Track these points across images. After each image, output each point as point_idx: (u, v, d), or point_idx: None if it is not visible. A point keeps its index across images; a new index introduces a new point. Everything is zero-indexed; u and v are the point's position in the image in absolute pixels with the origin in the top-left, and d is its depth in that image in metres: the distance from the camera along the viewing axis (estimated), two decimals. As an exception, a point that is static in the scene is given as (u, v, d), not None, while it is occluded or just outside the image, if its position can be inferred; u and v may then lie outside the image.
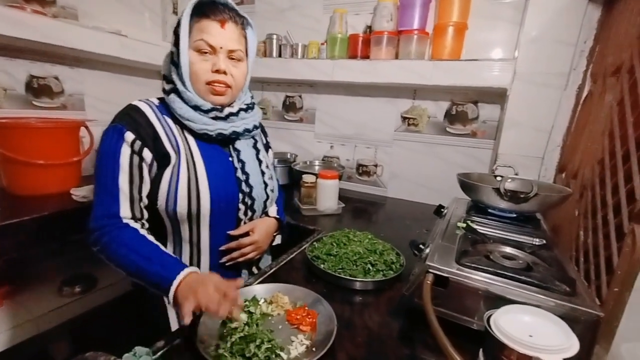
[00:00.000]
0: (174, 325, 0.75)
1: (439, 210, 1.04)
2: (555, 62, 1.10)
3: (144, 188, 0.70)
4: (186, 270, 0.61)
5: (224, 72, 0.72)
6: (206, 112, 0.73)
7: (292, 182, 1.61)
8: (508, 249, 0.69)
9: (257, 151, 0.86)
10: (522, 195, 0.80)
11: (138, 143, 0.68)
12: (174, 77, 0.72)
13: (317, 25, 1.66)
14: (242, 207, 0.79)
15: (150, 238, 0.67)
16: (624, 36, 0.86)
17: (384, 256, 0.84)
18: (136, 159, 0.68)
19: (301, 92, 1.80)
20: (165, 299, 0.59)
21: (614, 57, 0.88)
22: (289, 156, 1.80)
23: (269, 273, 0.84)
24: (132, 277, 0.64)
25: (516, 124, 1.18)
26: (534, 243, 0.75)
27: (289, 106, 1.85)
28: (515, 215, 0.91)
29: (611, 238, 0.68)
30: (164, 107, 0.75)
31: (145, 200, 0.71)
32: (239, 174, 0.79)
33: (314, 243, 0.93)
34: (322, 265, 0.82)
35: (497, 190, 0.83)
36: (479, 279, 0.58)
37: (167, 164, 0.70)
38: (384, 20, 1.40)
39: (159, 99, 0.77)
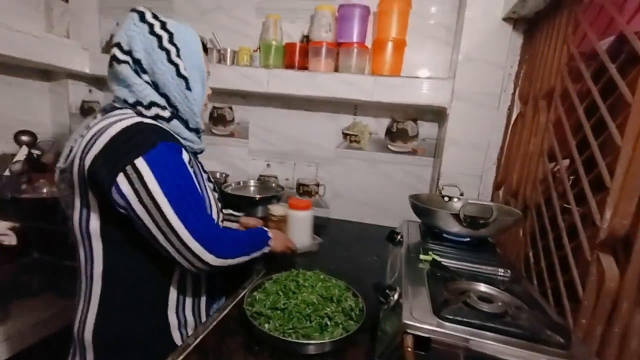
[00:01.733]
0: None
1: (391, 236, 0.95)
2: (488, 83, 1.14)
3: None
4: (267, 230, 0.83)
5: None
6: (199, 132, 0.77)
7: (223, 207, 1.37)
8: (482, 287, 0.61)
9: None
10: (481, 221, 0.75)
11: (188, 159, 0.68)
12: (187, 101, 0.70)
13: (248, 29, 1.49)
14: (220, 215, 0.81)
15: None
16: (551, 62, 0.90)
17: (341, 303, 0.69)
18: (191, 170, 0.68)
19: (231, 104, 1.59)
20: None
21: (544, 82, 0.92)
22: (218, 176, 1.56)
23: (193, 345, 0.62)
24: (249, 259, 0.73)
25: (456, 143, 1.19)
26: (500, 275, 0.69)
27: (217, 118, 1.61)
28: (468, 239, 0.87)
29: (570, 264, 0.66)
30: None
31: None
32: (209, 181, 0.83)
33: (254, 292, 0.74)
34: (266, 326, 0.64)
35: (457, 216, 0.77)
36: (466, 337, 0.48)
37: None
38: (323, 30, 1.31)
39: (143, 117, 0.68)
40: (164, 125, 0.68)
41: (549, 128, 0.86)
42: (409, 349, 0.47)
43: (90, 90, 1.65)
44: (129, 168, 0.58)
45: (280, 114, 1.53)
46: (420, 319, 0.51)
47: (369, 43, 1.34)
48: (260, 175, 1.61)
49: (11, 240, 1.09)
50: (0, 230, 1.07)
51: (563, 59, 0.84)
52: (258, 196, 1.34)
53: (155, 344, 0.69)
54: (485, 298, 0.56)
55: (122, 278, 0.68)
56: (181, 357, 0.59)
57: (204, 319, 0.78)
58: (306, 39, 1.42)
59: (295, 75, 1.32)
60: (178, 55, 0.67)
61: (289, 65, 1.38)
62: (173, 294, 0.71)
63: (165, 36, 0.66)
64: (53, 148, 1.58)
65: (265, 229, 0.84)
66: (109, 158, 0.58)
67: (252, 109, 1.57)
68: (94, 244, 0.65)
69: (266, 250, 0.79)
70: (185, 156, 0.66)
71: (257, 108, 1.56)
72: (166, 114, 0.68)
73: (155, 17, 0.67)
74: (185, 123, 0.72)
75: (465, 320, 0.50)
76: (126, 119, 0.63)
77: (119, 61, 0.65)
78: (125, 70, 0.65)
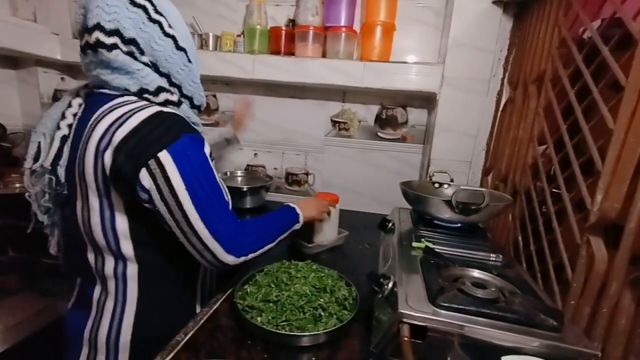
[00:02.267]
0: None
1: (383, 224, 0.95)
2: (478, 69, 1.12)
3: None
4: (293, 205, 0.80)
5: None
6: (199, 109, 0.72)
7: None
8: (475, 273, 0.61)
9: None
10: (473, 207, 0.75)
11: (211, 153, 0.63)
12: (192, 74, 0.66)
13: (230, 13, 1.42)
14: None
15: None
16: (541, 46, 0.89)
17: (335, 293, 0.68)
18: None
19: (215, 91, 1.53)
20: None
21: (534, 66, 0.92)
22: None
23: (184, 342, 0.60)
24: (276, 244, 0.71)
25: (446, 129, 1.18)
26: (492, 260, 0.70)
27: (201, 107, 1.55)
28: (460, 225, 0.87)
29: (560, 247, 0.67)
30: None
31: None
32: None
33: (245, 285, 0.72)
34: (258, 319, 0.62)
35: (449, 202, 0.76)
36: (461, 324, 0.47)
37: None
38: (309, 13, 1.26)
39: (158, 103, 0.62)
40: (177, 110, 0.63)
41: (539, 113, 0.86)
42: (406, 339, 0.46)
43: (62, 79, 1.56)
44: (152, 162, 0.53)
45: (267, 101, 1.49)
46: (416, 307, 0.50)
47: (357, 27, 1.30)
48: (248, 165, 1.57)
49: (-17, 238, 1.02)
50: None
51: (554, 42, 0.84)
52: (246, 187, 1.31)
53: None
54: (479, 284, 0.56)
55: (156, 276, 0.65)
56: (170, 355, 0.57)
57: None
58: (292, 23, 1.37)
59: (281, 61, 1.28)
60: (170, 26, 0.60)
61: (275, 51, 1.33)
62: (199, 287, 0.73)
63: (149, 6, 0.58)
64: (25, 140, 1.49)
65: (292, 205, 0.80)
66: (132, 152, 0.53)
67: (237, 97, 1.51)
68: (122, 245, 0.60)
69: (297, 227, 0.78)
70: (207, 148, 0.61)
71: (243, 96, 1.50)
72: (175, 97, 0.63)
73: None
74: (190, 101, 0.67)
75: (461, 307, 0.49)
76: (144, 108, 0.56)
77: (108, 47, 0.55)
78: (120, 57, 0.56)
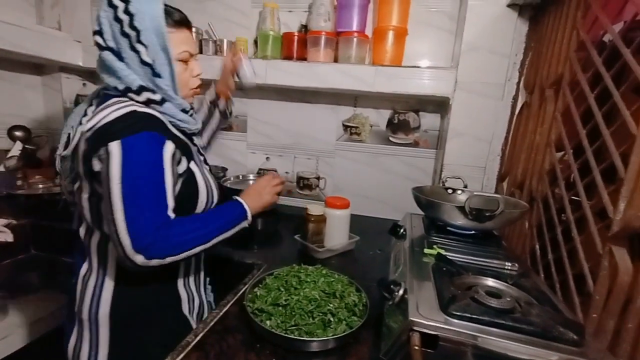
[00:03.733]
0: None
1: (394, 230, 0.93)
2: (492, 73, 1.10)
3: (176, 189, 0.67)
4: (240, 199, 0.76)
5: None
6: (187, 112, 0.73)
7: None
8: (490, 282, 0.60)
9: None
10: (487, 214, 0.73)
11: (177, 151, 0.65)
12: (162, 86, 0.66)
13: (244, 19, 1.45)
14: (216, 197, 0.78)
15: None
16: (559, 50, 0.87)
17: (344, 299, 0.68)
18: (174, 167, 0.65)
19: (229, 96, 1.55)
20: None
21: (551, 70, 0.90)
22: (217, 170, 1.53)
23: (194, 343, 0.60)
24: (212, 245, 0.67)
25: (459, 134, 1.16)
26: (508, 269, 0.68)
27: (215, 112, 1.58)
28: (473, 232, 0.85)
29: (580, 257, 0.64)
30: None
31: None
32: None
33: (255, 288, 0.72)
34: (267, 322, 0.62)
35: (462, 208, 0.75)
36: (475, 334, 0.46)
37: (190, 165, 0.70)
38: (321, 19, 1.27)
39: (137, 103, 0.66)
40: (156, 110, 0.65)
41: (556, 118, 0.84)
42: (416, 347, 0.45)
43: (84, 84, 1.62)
44: (102, 150, 0.58)
45: (279, 106, 1.50)
46: (427, 315, 0.49)
47: (369, 32, 1.30)
48: (260, 169, 1.59)
49: (7, 237, 1.07)
50: (-4, 227, 1.06)
51: (572, 45, 0.81)
52: (257, 190, 1.32)
53: (168, 317, 0.72)
54: (493, 293, 0.55)
55: None
56: (181, 355, 0.57)
57: (203, 295, 0.82)
58: (304, 28, 1.38)
59: (293, 66, 1.29)
60: (139, 41, 0.62)
61: (287, 56, 1.34)
62: (181, 268, 0.74)
63: (126, 20, 0.61)
64: (48, 143, 1.56)
65: (239, 199, 0.76)
66: (92, 140, 0.59)
67: (250, 102, 1.53)
68: (103, 223, 0.65)
69: (246, 224, 0.74)
70: (169, 149, 0.63)
71: (255, 100, 1.53)
72: (157, 97, 0.65)
73: None
74: (173, 105, 0.69)
75: (473, 316, 0.48)
76: (122, 107, 0.61)
77: (101, 48, 0.63)
78: (109, 57, 0.63)
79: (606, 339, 0.55)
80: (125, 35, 0.61)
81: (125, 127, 0.59)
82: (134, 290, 0.68)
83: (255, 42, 1.43)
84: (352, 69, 1.23)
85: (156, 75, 0.65)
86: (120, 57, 0.63)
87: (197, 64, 0.75)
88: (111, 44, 0.63)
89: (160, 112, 0.67)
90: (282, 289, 0.70)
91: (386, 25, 1.22)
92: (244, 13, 1.44)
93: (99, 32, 0.63)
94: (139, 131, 0.60)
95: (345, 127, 1.46)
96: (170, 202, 0.63)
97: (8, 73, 1.43)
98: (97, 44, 0.63)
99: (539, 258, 0.82)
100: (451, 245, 0.78)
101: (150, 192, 0.60)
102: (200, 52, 1.40)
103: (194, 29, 1.37)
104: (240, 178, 1.49)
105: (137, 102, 0.64)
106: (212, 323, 0.66)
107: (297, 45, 1.32)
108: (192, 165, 0.70)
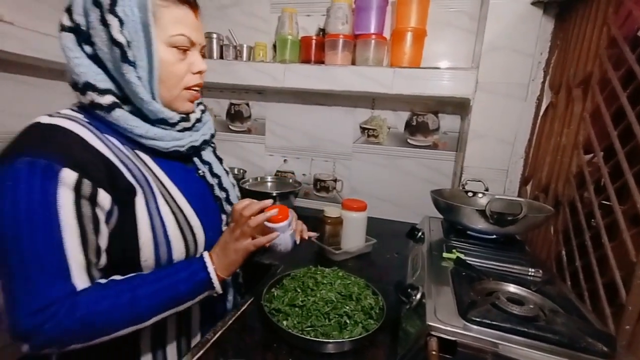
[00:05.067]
0: None
1: (412, 233, 0.92)
2: (515, 73, 1.07)
3: (102, 244, 0.49)
4: (205, 255, 0.56)
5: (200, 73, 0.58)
6: (173, 125, 0.56)
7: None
8: (511, 288, 0.58)
9: (221, 160, 0.72)
10: (509, 218, 0.71)
11: (87, 183, 0.46)
12: (131, 79, 0.49)
13: (263, 25, 1.48)
14: (224, 229, 0.63)
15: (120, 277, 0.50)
16: (587, 47, 0.83)
17: (361, 302, 0.68)
18: (87, 207, 0.46)
19: (248, 100, 1.59)
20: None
21: (579, 69, 0.86)
22: (236, 172, 1.57)
23: (213, 341, 0.62)
24: (150, 318, 0.49)
25: (480, 136, 1.13)
26: (532, 275, 0.65)
27: (235, 115, 1.62)
28: (495, 237, 0.82)
29: (612, 264, 0.61)
30: (100, 123, 0.52)
31: (103, 259, 0.50)
32: (217, 191, 0.67)
33: (272, 289, 0.73)
34: (284, 323, 0.63)
35: (482, 212, 0.73)
36: (495, 341, 0.45)
37: (132, 202, 0.50)
38: (339, 22, 1.28)
39: (76, 111, 0.52)
40: (108, 117, 0.49)
41: (584, 118, 0.80)
42: (434, 352, 0.44)
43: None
44: None
45: (297, 109, 1.52)
46: (445, 320, 0.48)
47: (387, 34, 1.30)
48: (278, 171, 1.61)
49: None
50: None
51: (602, 42, 0.78)
52: (275, 192, 1.34)
53: None
54: (515, 299, 0.53)
55: None
56: (200, 352, 0.59)
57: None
58: (322, 32, 1.39)
59: (311, 69, 1.30)
60: (112, 11, 0.46)
61: (305, 60, 1.36)
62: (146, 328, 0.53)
63: None
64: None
65: (205, 258, 0.55)
66: None
67: (268, 105, 1.56)
68: None
69: (211, 292, 0.56)
70: (65, 181, 0.44)
71: (274, 104, 1.55)
72: (105, 100, 0.49)
73: None
74: (139, 115, 0.52)
75: (494, 323, 0.47)
76: (41, 117, 0.48)
77: (62, 28, 0.49)
78: (65, 40, 0.49)
79: (640, 352, 0.52)
80: (97, 4, 0.47)
81: (8, 150, 0.44)
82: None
83: (274, 46, 1.45)
84: (369, 71, 1.23)
85: (126, 61, 0.47)
86: (83, 38, 0.49)
87: (201, 59, 0.57)
88: (79, 19, 0.48)
89: (106, 123, 0.50)
90: (299, 290, 0.70)
91: (404, 27, 1.21)
92: (263, 19, 1.48)
93: (68, 9, 0.49)
94: (16, 156, 0.43)
95: (363, 129, 1.45)
96: (76, 262, 0.44)
97: (41, 80, 1.51)
98: (61, 25, 0.49)
99: (565, 265, 0.78)
100: (471, 249, 0.76)
101: (29, 252, 0.42)
102: (221, 57, 1.44)
103: (214, 35, 1.42)
104: (259, 180, 1.52)
105: (83, 105, 0.50)
106: (230, 322, 0.67)
107: (315, 49, 1.33)
108: (139, 203, 0.50)
